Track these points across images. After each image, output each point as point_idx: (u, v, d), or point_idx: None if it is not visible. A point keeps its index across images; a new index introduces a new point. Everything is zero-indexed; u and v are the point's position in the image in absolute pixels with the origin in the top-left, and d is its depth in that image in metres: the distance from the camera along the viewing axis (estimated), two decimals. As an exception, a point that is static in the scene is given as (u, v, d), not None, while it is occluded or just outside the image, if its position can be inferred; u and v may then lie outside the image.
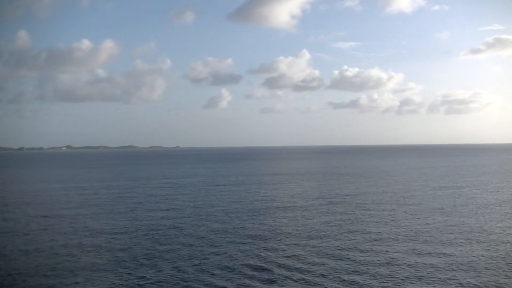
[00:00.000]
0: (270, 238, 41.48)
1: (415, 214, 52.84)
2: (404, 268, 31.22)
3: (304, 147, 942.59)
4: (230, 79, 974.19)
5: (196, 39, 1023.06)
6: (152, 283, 29.24)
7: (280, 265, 32.63)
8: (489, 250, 35.56)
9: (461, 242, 38.16)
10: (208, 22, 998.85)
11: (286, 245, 38.70)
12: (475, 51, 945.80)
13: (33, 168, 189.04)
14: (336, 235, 42.20)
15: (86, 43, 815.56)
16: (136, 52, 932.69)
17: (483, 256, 33.88)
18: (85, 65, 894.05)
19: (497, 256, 33.83)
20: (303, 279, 29.58)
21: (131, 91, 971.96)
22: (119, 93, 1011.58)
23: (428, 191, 75.75)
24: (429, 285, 28.03)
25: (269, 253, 35.97)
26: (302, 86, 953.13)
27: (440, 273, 30.12)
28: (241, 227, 46.54)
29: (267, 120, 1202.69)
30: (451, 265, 31.74)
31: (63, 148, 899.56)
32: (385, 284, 28.23)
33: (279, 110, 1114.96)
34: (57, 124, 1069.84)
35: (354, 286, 28.11)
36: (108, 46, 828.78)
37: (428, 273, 30.15)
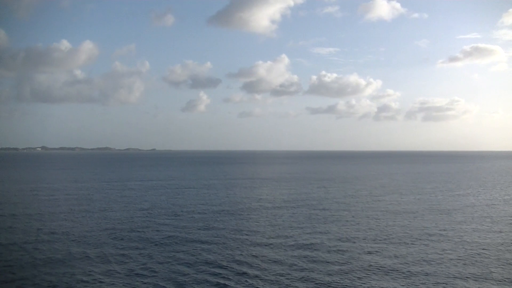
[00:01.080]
0: (232, 238, 42.61)
1: (378, 218, 54.32)
2: (359, 270, 32.57)
3: (282, 152, 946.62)
4: (208, 83, 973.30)
5: (176, 42, 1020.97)
6: (117, 279, 30.09)
7: (239, 264, 33.76)
8: (442, 254, 36.96)
9: (419, 248, 39.29)
10: (188, 25, 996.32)
11: (247, 244, 39.91)
12: (453, 59, 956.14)
13: (6, 169, 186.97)
14: (297, 236, 43.44)
15: (65, 44, 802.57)
16: (115, 54, 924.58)
17: (439, 259, 35.30)
18: (64, 66, 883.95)
19: (452, 259, 35.29)
20: (259, 277, 30.75)
21: (109, 92, 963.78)
22: (97, 94, 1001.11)
23: (395, 196, 77.53)
24: (381, 283, 29.35)
25: (230, 252, 37.15)
26: (280, 91, 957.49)
27: (394, 274, 31.53)
28: (206, 227, 47.60)
29: (245, 124, 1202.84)
30: (405, 267, 33.16)
31: (38, 148, 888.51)
32: (339, 283, 29.51)
33: (257, 115, 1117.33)
34: (33, 124, 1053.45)
35: (310, 283, 29.30)
36: (88, 47, 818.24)
37: (382, 275, 31.52)
